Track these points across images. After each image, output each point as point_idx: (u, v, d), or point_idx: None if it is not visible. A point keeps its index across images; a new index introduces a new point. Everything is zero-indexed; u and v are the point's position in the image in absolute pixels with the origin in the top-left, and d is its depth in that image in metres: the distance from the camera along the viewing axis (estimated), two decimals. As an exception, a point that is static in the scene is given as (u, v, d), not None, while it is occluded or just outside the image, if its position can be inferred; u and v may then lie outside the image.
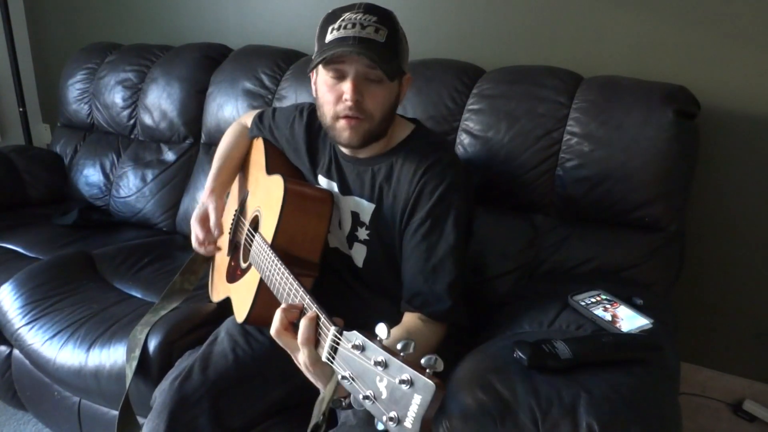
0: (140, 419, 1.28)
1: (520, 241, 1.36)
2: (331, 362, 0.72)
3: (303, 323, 0.79)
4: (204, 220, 1.26)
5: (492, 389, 0.83)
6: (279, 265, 0.94)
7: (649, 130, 1.24)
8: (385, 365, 0.61)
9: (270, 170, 1.22)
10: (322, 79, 1.04)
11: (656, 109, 1.25)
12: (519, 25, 1.66)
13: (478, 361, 0.94)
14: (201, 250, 1.29)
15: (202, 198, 1.29)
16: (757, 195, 1.48)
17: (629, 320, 1.02)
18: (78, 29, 2.56)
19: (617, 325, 1.00)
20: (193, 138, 1.99)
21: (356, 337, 0.67)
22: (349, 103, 1.00)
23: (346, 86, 1.00)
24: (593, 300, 1.08)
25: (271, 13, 2.07)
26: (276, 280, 0.94)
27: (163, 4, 2.31)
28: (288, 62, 1.83)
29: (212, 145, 1.94)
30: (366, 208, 1.11)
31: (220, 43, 2.08)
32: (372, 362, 0.62)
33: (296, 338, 0.80)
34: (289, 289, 0.89)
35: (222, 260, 1.32)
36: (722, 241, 1.54)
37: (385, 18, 1.01)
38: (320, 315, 0.77)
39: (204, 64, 1.98)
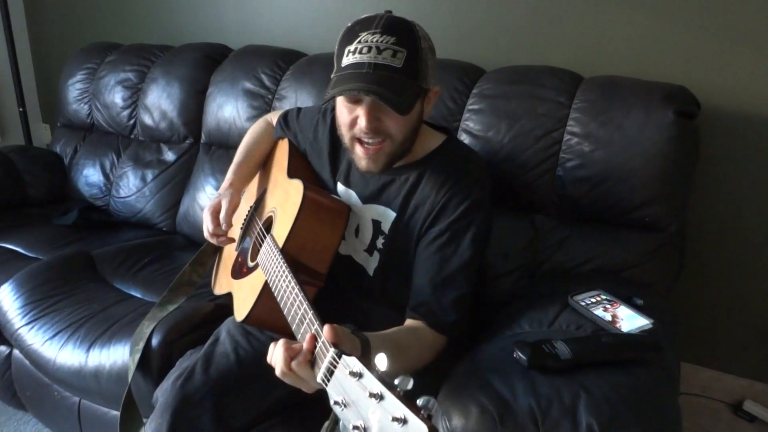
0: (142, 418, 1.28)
1: (520, 241, 1.36)
2: (326, 384, 0.70)
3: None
4: (216, 211, 1.23)
5: (492, 389, 0.83)
6: (286, 272, 0.92)
7: (650, 130, 1.24)
8: (380, 398, 0.59)
9: (291, 173, 1.22)
10: (339, 98, 1.01)
11: (656, 110, 1.25)
12: (519, 25, 1.66)
13: (477, 361, 0.94)
14: (213, 241, 1.25)
15: (220, 189, 1.27)
16: (758, 195, 1.48)
17: (629, 320, 1.02)
18: (78, 29, 2.56)
19: (617, 325, 1.00)
20: (193, 138, 1.99)
21: (354, 363, 0.65)
22: (364, 130, 0.98)
23: (361, 111, 0.97)
24: (593, 300, 1.08)
25: (271, 13, 2.07)
26: (281, 286, 0.93)
27: (163, 4, 2.31)
28: (288, 62, 1.83)
29: (212, 145, 1.95)
30: (389, 216, 1.10)
31: (220, 43, 2.07)
32: (367, 393, 0.60)
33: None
34: (294, 299, 0.87)
35: (230, 254, 1.32)
36: (722, 241, 1.54)
37: (405, 36, 0.95)
38: (321, 334, 0.75)
39: (204, 64, 1.97)
